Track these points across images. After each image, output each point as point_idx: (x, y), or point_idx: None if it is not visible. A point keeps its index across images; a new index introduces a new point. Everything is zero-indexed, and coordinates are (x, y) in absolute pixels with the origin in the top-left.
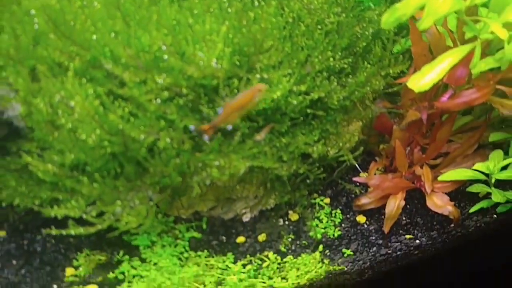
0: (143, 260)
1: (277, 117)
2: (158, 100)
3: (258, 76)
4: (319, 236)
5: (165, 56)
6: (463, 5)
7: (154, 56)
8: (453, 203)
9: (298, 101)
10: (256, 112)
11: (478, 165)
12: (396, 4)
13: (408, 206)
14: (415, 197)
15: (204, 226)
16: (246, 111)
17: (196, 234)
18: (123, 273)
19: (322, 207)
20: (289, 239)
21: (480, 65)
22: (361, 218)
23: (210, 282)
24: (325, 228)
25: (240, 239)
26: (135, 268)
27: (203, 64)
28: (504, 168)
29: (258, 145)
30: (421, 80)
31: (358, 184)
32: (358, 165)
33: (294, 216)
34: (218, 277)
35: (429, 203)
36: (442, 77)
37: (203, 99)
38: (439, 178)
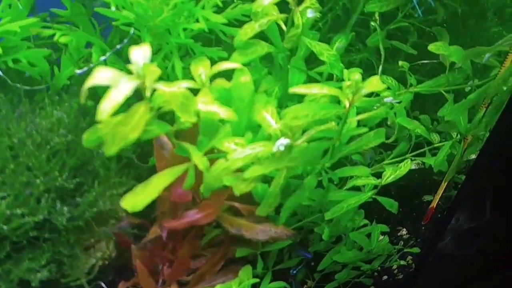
0: None
1: None
2: None
3: None
4: None
5: None
6: (170, 128)
7: None
8: None
9: (17, 224)
10: None
11: (220, 286)
12: (97, 124)
13: None
14: None
15: None
16: None
17: None
18: None
19: None
20: None
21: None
22: None
23: None
24: None
25: None
26: None
27: None
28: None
29: None
30: (134, 200)
31: None
32: (112, 283)
33: None
34: None
35: None
36: (156, 196)
37: None
38: None
